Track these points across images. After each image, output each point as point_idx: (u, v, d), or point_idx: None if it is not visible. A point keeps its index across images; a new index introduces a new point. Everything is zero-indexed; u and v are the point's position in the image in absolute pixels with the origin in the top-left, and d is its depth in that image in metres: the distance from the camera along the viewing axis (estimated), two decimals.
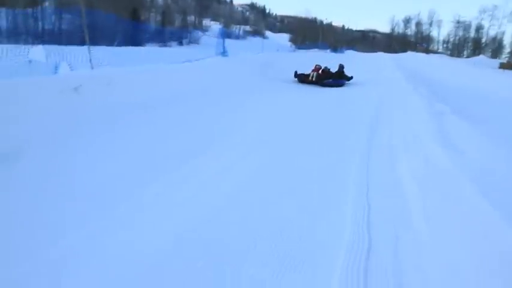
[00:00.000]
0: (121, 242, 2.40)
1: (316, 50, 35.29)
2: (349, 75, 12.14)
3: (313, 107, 7.82)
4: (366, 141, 5.02)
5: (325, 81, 11.26)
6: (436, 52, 62.57)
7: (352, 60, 23.59)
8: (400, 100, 8.41)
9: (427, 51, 60.07)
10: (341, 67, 12.36)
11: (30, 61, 5.74)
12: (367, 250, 2.41)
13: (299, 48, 37.44)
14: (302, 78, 11.64)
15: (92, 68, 6.96)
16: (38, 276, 2.05)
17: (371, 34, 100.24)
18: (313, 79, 11.37)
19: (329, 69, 12.07)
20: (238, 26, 73.22)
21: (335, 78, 11.58)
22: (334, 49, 43.07)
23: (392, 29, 78.95)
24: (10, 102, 4.38)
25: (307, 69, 11.96)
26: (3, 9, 17.80)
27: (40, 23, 23.94)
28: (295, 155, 4.29)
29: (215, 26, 54.19)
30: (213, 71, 9.83)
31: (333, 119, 6.59)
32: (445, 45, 71.13)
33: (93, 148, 4.04)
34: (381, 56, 40.82)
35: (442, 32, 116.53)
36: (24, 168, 3.37)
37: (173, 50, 19.36)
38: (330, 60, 16.50)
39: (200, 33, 47.73)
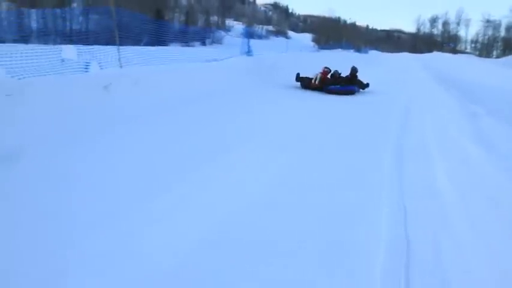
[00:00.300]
0: (144, 244, 2.34)
1: (339, 50, 34.88)
2: (365, 82, 9.94)
3: (341, 103, 7.71)
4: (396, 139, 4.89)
5: (331, 87, 9.42)
6: (463, 52, 60.94)
7: (376, 61, 23.26)
8: (430, 100, 8.19)
9: (454, 51, 58.61)
10: (354, 70, 10.14)
11: (62, 60, 5.89)
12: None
13: (322, 48, 37.09)
14: (306, 83, 9.86)
15: (121, 66, 7.08)
16: (37, 280, 1.95)
17: (396, 34, 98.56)
18: (316, 82, 9.62)
19: (340, 73, 10.08)
20: (261, 25, 73.23)
21: (344, 84, 9.62)
22: (358, 49, 42.46)
23: (418, 29, 77.46)
24: (46, 98, 4.48)
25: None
26: (33, 11, 18.37)
27: (68, 23, 24.65)
28: (317, 164, 4.12)
29: (238, 26, 54.42)
30: (237, 70, 9.83)
31: (363, 116, 6.47)
32: (473, 45, 69.34)
33: (119, 147, 4.05)
34: (405, 56, 40.19)
35: (470, 32, 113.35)
36: (58, 164, 3.44)
37: (197, 50, 19.49)
38: (352, 60, 16.21)
39: (223, 33, 48.02)
